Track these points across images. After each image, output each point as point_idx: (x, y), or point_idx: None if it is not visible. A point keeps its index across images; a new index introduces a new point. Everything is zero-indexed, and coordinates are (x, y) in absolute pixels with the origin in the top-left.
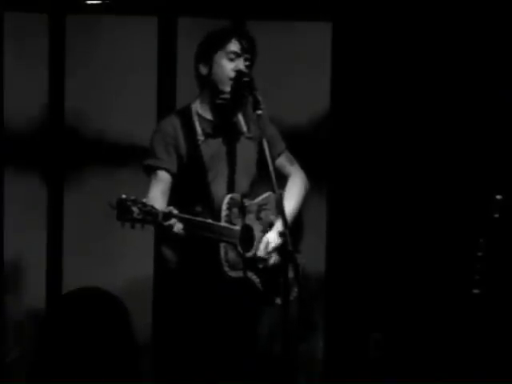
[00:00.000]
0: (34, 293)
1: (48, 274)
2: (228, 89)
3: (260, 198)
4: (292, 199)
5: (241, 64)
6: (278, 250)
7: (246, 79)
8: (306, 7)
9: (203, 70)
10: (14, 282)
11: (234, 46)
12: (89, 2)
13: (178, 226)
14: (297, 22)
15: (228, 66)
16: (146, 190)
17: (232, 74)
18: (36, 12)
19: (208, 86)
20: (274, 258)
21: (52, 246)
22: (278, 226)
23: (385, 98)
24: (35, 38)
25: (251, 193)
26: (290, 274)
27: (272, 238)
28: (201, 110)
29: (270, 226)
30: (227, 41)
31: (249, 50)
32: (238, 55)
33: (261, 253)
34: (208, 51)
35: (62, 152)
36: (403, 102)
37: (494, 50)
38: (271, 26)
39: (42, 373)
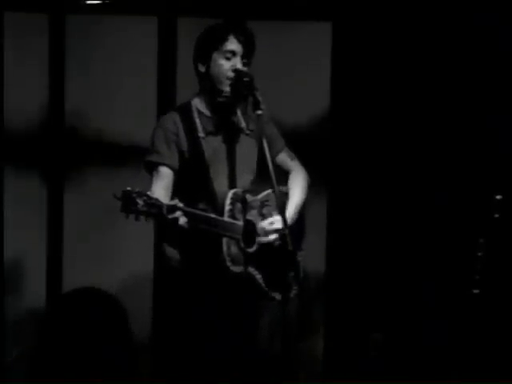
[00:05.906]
0: (33, 293)
1: (48, 274)
2: (226, 88)
3: (262, 195)
4: (296, 195)
5: (238, 63)
6: (279, 240)
7: (246, 79)
8: (306, 7)
9: (201, 67)
10: (14, 282)
11: (231, 45)
12: (89, 2)
13: (183, 220)
14: (297, 22)
15: (225, 65)
16: (146, 190)
17: (230, 74)
18: (36, 12)
19: (207, 83)
20: (274, 236)
21: (52, 245)
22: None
23: (385, 98)
24: (35, 37)
25: (253, 189)
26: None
27: (278, 219)
28: (201, 106)
29: None
30: (224, 39)
31: (247, 47)
32: (234, 54)
33: (264, 224)
34: (205, 50)
35: (62, 152)
36: (403, 101)
37: (494, 49)
38: (271, 26)
39: (42, 372)
